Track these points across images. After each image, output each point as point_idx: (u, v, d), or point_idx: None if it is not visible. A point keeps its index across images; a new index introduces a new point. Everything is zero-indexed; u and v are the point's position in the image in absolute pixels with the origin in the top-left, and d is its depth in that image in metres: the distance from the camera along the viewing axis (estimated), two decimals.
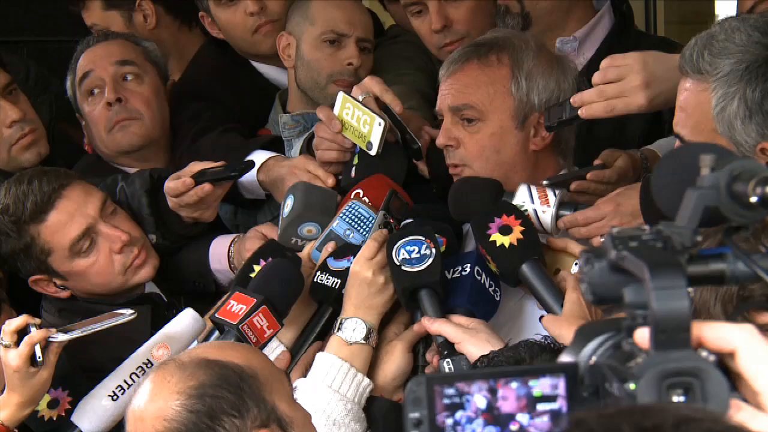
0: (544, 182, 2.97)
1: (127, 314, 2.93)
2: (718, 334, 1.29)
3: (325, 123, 3.22)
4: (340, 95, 3.21)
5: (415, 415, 1.33)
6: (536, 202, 2.88)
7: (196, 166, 3.36)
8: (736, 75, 2.49)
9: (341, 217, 2.99)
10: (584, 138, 3.26)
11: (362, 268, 2.82)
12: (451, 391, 1.34)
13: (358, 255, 2.85)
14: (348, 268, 2.88)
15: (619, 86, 2.86)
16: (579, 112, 2.88)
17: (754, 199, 1.31)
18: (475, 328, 2.75)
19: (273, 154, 3.51)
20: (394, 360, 2.85)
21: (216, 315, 2.81)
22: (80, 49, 3.84)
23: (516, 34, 3.14)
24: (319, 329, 2.93)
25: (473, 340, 2.71)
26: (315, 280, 2.91)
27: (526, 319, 2.90)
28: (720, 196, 1.33)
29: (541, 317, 2.71)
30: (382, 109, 3.17)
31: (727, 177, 1.33)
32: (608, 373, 1.30)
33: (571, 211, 2.89)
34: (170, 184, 3.38)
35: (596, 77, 2.90)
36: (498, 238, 2.78)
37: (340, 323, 2.82)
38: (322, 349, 2.86)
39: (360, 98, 3.18)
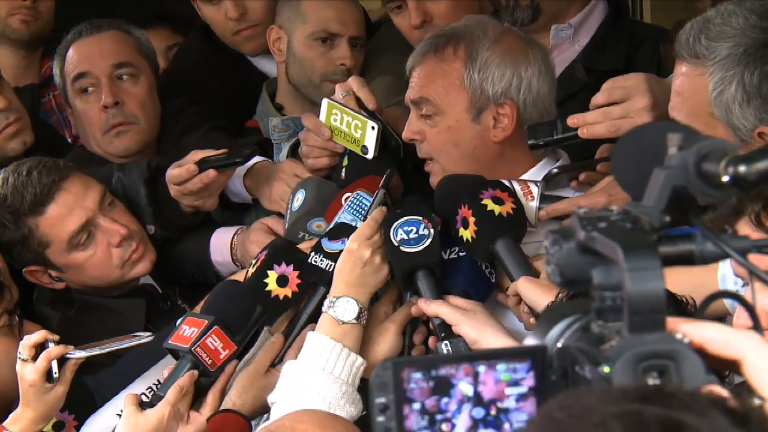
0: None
1: (144, 336, 2.96)
2: (723, 337, 1.26)
3: (312, 131, 3.19)
4: (325, 102, 3.18)
5: (381, 400, 1.32)
6: (521, 196, 2.87)
7: (197, 155, 3.33)
8: (734, 59, 2.49)
9: (346, 209, 2.96)
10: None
11: (360, 246, 2.78)
12: (417, 375, 1.32)
13: (356, 233, 2.81)
14: (342, 251, 2.83)
15: (624, 107, 2.86)
16: (579, 131, 2.88)
17: (725, 178, 1.29)
18: (473, 310, 2.73)
19: (259, 158, 3.47)
20: (387, 342, 2.82)
21: (169, 342, 2.80)
22: (70, 39, 3.77)
23: (478, 23, 3.09)
24: (311, 311, 2.89)
25: (471, 322, 2.69)
26: (309, 261, 2.88)
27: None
28: (688, 175, 1.31)
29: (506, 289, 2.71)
30: (360, 106, 3.15)
31: (696, 156, 1.31)
32: (579, 356, 1.28)
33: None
34: (174, 172, 3.34)
35: (599, 98, 2.90)
36: (489, 204, 2.77)
37: (332, 302, 2.77)
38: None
39: (341, 96, 3.16)
